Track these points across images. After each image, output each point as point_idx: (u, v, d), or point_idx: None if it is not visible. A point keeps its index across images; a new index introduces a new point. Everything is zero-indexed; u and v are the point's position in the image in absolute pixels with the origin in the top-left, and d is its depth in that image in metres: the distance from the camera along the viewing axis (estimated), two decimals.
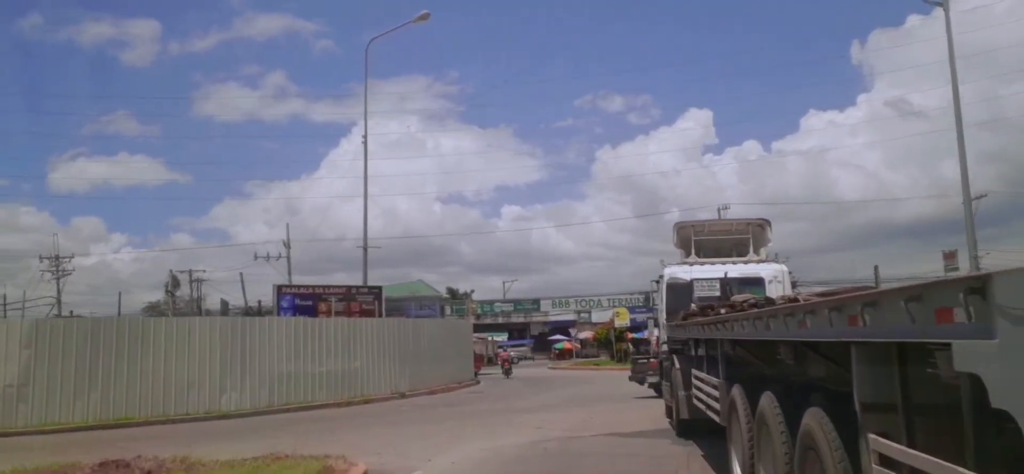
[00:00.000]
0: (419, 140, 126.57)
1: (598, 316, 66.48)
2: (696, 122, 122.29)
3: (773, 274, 12.81)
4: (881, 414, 3.35)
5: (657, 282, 14.55)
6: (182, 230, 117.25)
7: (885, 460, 3.16)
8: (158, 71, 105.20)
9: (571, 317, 69.06)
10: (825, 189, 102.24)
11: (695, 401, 10.01)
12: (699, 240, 14.32)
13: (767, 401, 5.37)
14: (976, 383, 2.35)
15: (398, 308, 50.34)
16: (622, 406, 18.36)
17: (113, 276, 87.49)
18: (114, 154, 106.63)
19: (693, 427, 11.04)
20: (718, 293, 11.95)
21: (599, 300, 69.25)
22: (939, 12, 29.13)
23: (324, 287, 29.76)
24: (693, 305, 10.58)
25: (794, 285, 13.29)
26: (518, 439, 12.92)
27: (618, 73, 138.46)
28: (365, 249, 30.10)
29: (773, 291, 11.54)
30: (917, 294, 2.71)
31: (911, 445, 3.07)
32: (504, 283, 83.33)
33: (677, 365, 11.47)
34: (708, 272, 12.98)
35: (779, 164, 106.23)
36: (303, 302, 27.49)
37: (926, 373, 3.09)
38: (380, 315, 27.41)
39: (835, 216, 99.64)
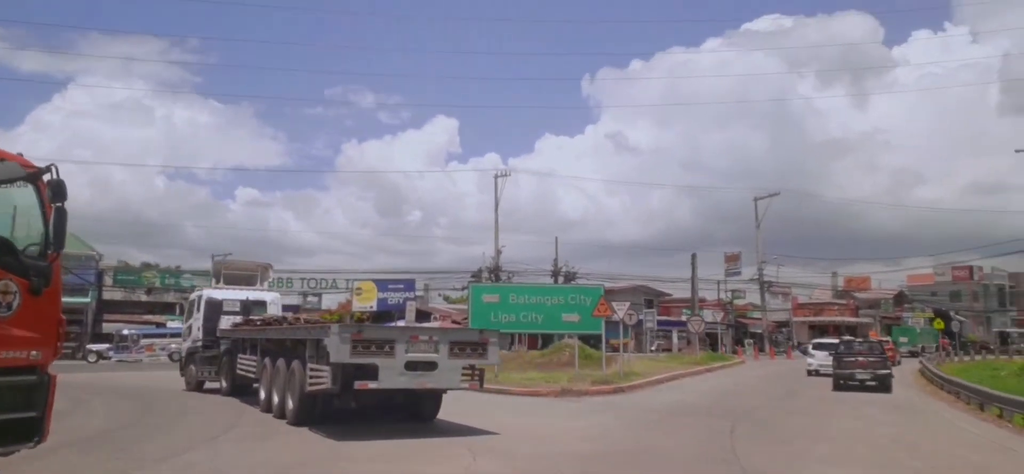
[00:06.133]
0: (146, 107, 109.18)
1: (332, 302, 49.97)
2: (443, 129, 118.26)
3: (272, 299, 20.14)
4: (312, 361, 11.68)
5: (193, 301, 20.50)
6: None
7: (314, 371, 11.43)
8: None
9: (294, 301, 51.27)
10: (552, 205, 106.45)
11: (238, 371, 16.20)
12: (226, 273, 21.25)
13: (280, 362, 13.09)
14: (323, 348, 11.08)
15: None
16: None
17: None
18: None
19: (232, 390, 17.12)
20: (239, 309, 18.40)
21: (334, 280, 52.02)
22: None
23: None
24: (223, 316, 18.26)
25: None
26: None
27: (371, 68, 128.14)
28: None
29: (272, 310, 18.99)
30: (319, 323, 12.65)
31: (314, 370, 11.46)
32: (214, 259, 63.03)
33: (227, 354, 17.71)
34: (234, 295, 19.31)
35: (513, 179, 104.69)
36: None
37: (319, 347, 11.52)
38: None
39: (558, 229, 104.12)
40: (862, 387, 22.74)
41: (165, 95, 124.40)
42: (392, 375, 10.87)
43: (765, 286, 62.90)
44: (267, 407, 13.58)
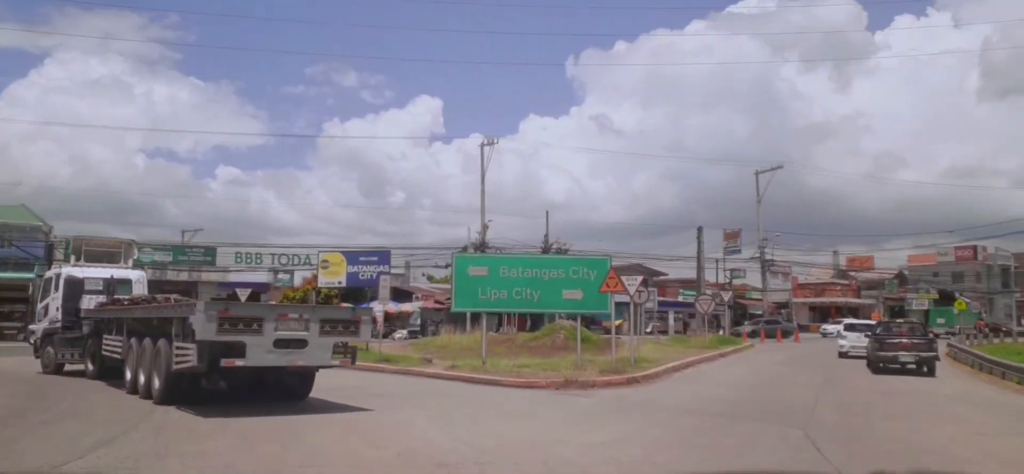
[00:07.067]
0: (125, 84, 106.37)
1: (306, 280, 46.18)
2: (426, 109, 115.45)
3: (138, 277, 18.90)
4: (178, 339, 11.19)
5: (49, 279, 18.97)
6: None
7: (180, 350, 10.83)
8: None
9: (264, 279, 47.44)
10: (536, 186, 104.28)
11: (105, 352, 15.34)
12: (87, 250, 19.65)
13: (147, 342, 12.54)
14: (189, 326, 10.77)
15: None
16: None
17: None
18: None
19: (99, 373, 15.91)
20: (102, 288, 17.17)
21: (307, 256, 47.97)
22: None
23: None
24: (85, 296, 16.94)
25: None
26: None
27: (354, 47, 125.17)
28: None
29: (138, 289, 18.04)
30: (187, 301, 12.55)
31: (181, 348, 10.86)
32: (184, 234, 59.45)
33: (92, 335, 16.37)
34: (97, 273, 17.96)
35: (497, 161, 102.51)
36: None
37: (185, 325, 10.94)
38: None
39: (543, 212, 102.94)
40: (903, 370, 21.87)
41: (144, 72, 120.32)
42: (260, 353, 10.80)
43: (766, 265, 59.60)
44: (133, 388, 13.19)
